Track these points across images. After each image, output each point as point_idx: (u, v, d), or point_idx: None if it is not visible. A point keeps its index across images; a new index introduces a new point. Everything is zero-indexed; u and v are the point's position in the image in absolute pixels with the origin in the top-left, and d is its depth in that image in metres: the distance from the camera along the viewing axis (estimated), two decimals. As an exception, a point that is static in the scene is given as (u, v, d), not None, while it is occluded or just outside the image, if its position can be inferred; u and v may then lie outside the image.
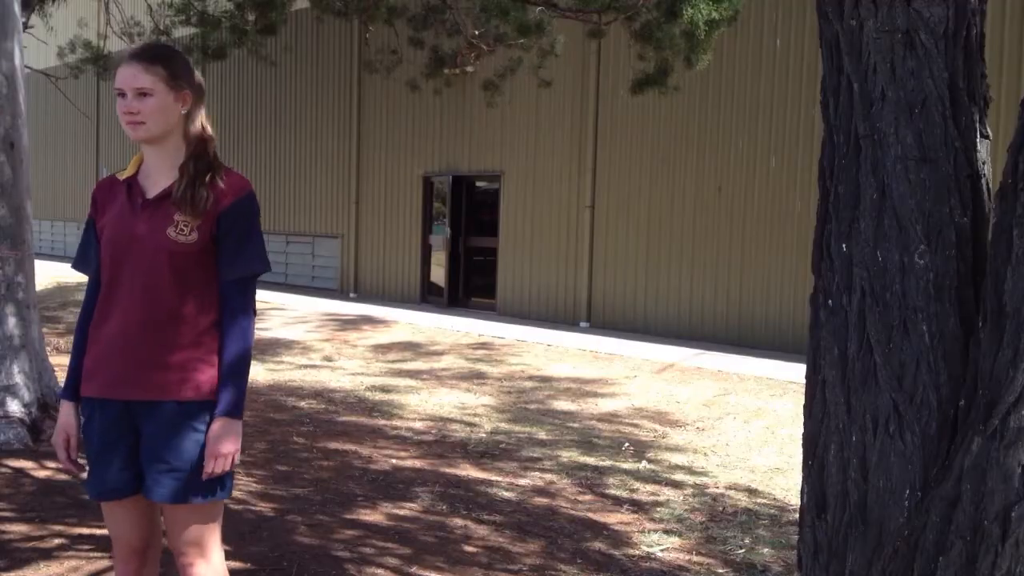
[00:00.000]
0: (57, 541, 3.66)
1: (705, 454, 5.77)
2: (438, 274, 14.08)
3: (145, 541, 2.31)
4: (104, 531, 3.76)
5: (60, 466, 4.65)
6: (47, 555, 3.51)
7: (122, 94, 2.17)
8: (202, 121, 2.27)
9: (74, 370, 2.28)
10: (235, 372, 2.19)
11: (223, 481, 2.22)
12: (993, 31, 8.31)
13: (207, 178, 2.20)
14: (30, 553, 3.52)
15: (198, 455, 2.16)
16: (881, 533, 1.91)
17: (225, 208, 2.20)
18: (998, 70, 8.34)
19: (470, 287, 13.83)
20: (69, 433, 2.28)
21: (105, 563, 3.44)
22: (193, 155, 2.22)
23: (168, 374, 2.16)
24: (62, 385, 5.49)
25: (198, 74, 2.29)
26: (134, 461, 2.21)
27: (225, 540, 3.64)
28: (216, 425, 2.16)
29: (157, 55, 2.21)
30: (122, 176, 2.28)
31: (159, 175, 2.23)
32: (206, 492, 2.18)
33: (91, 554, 3.53)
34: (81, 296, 13.75)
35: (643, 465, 5.42)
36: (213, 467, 2.14)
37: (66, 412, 2.29)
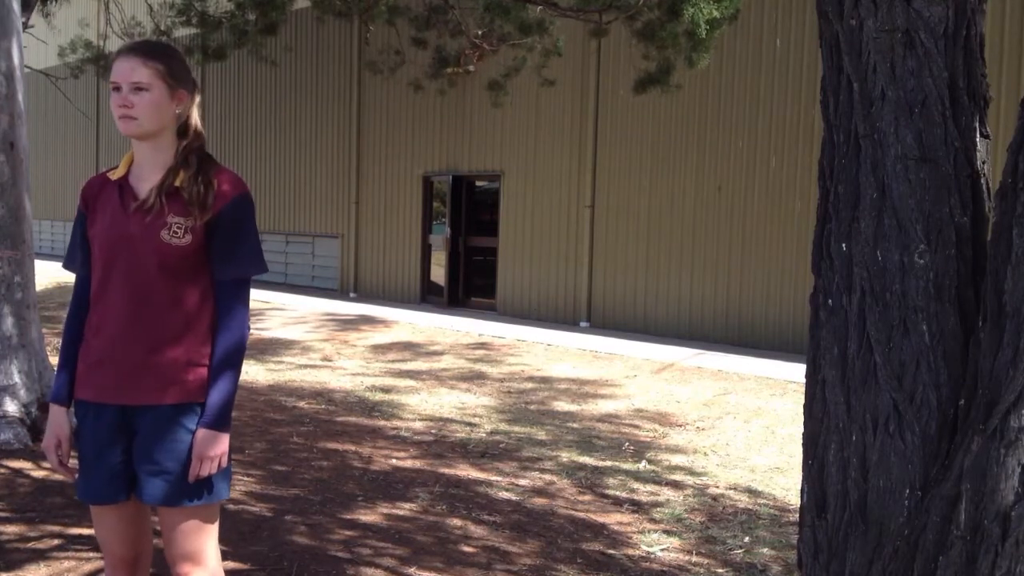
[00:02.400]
0: (54, 542, 3.66)
1: (705, 454, 5.77)
2: (438, 274, 14.08)
3: (134, 550, 2.27)
4: (103, 531, 3.76)
5: (59, 466, 4.65)
6: (43, 556, 3.50)
7: (117, 88, 2.13)
8: (196, 120, 2.24)
9: (63, 373, 2.24)
10: (226, 374, 2.16)
11: (217, 484, 2.18)
12: (993, 31, 8.32)
13: (210, 175, 2.17)
14: (27, 554, 3.51)
15: (190, 457, 2.14)
16: (881, 533, 1.91)
17: (221, 208, 2.16)
18: (998, 70, 8.34)
19: (470, 287, 13.83)
20: (60, 437, 2.24)
21: (101, 563, 3.43)
22: (190, 152, 2.19)
23: (164, 377, 2.14)
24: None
25: (193, 74, 2.26)
26: (127, 466, 2.18)
27: (224, 540, 3.64)
28: (201, 432, 2.13)
29: (156, 51, 2.17)
30: (113, 176, 2.23)
31: (151, 174, 2.19)
32: (200, 494, 2.16)
33: (88, 554, 3.52)
34: (81, 296, 13.78)
35: (643, 465, 5.41)
36: (200, 469, 2.12)
37: (56, 416, 2.24)
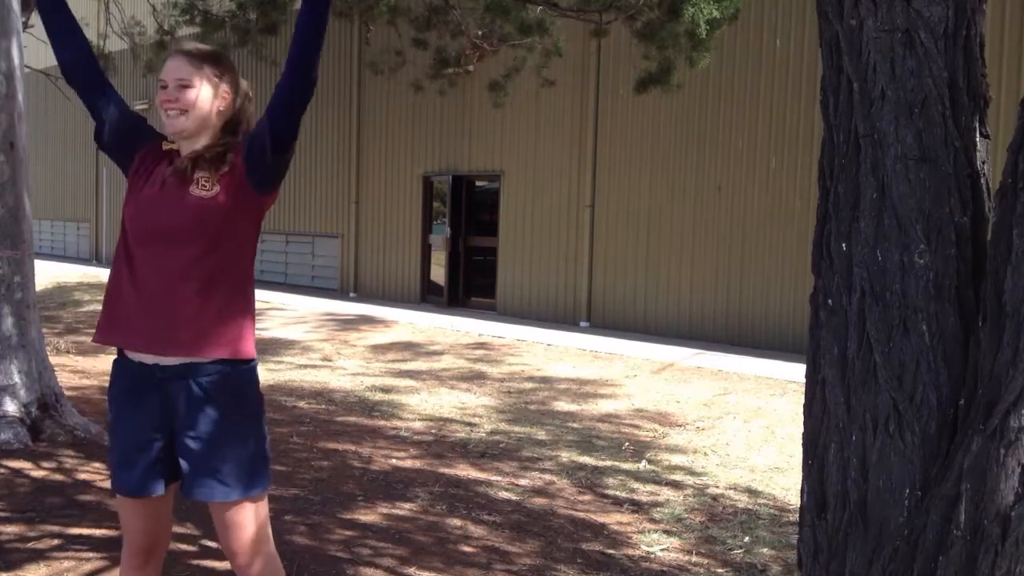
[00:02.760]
0: (53, 542, 3.65)
1: (705, 454, 5.77)
2: (438, 274, 14.08)
3: (155, 539, 2.33)
4: (99, 532, 3.76)
5: (56, 466, 4.65)
6: (43, 556, 3.50)
7: (164, 86, 2.21)
8: (247, 119, 2.32)
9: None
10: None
11: (259, 474, 2.23)
12: (993, 31, 8.32)
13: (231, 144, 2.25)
14: (26, 554, 3.51)
15: (236, 446, 2.18)
16: (881, 533, 1.91)
17: (246, 141, 2.23)
18: (998, 70, 8.34)
19: (470, 287, 13.83)
20: None
21: (100, 563, 3.44)
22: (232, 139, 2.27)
23: (202, 333, 2.15)
24: (61, 385, 5.46)
25: (244, 82, 2.34)
26: (167, 454, 2.22)
27: (224, 540, 3.64)
28: None
29: (203, 52, 2.26)
30: (166, 147, 2.30)
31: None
32: (248, 486, 2.21)
33: (86, 554, 3.52)
34: (80, 295, 13.72)
35: (642, 465, 5.41)
36: None
37: None
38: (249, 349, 2.22)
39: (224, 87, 2.25)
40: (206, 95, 2.21)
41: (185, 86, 2.19)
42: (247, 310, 2.23)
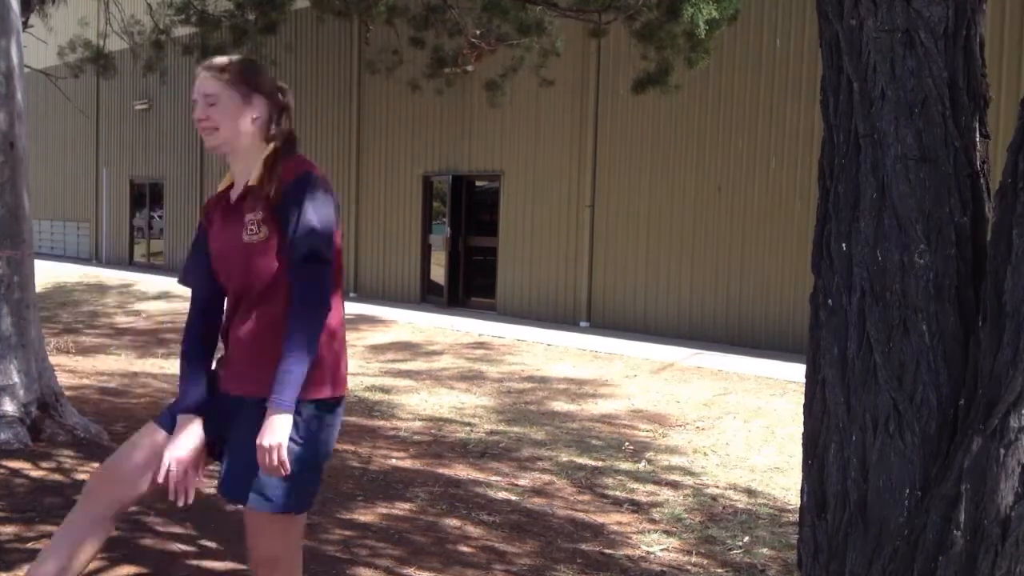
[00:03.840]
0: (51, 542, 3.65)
1: (705, 454, 5.77)
2: (438, 274, 14.08)
3: (134, 484, 2.33)
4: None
5: (55, 466, 4.64)
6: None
7: (196, 103, 2.22)
8: (284, 123, 2.28)
9: (187, 390, 2.28)
10: (291, 363, 2.09)
11: (278, 490, 2.16)
12: (993, 31, 8.32)
13: (278, 167, 2.21)
14: (25, 554, 3.51)
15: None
16: (881, 533, 1.90)
17: (283, 191, 2.18)
18: (998, 70, 8.34)
19: (470, 287, 13.83)
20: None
21: (99, 563, 3.43)
22: (274, 152, 2.24)
23: (265, 372, 2.15)
24: (61, 385, 5.46)
25: (280, 82, 2.33)
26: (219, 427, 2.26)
27: (223, 540, 3.64)
28: (266, 418, 2.10)
29: (226, 63, 2.25)
30: (220, 189, 2.33)
31: (242, 184, 2.27)
32: (264, 498, 2.16)
33: (89, 554, 3.51)
34: (80, 296, 13.72)
35: (642, 465, 5.41)
36: (263, 460, 2.09)
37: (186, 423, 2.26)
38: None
39: (256, 95, 2.23)
40: (234, 105, 2.20)
41: (212, 103, 2.19)
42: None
